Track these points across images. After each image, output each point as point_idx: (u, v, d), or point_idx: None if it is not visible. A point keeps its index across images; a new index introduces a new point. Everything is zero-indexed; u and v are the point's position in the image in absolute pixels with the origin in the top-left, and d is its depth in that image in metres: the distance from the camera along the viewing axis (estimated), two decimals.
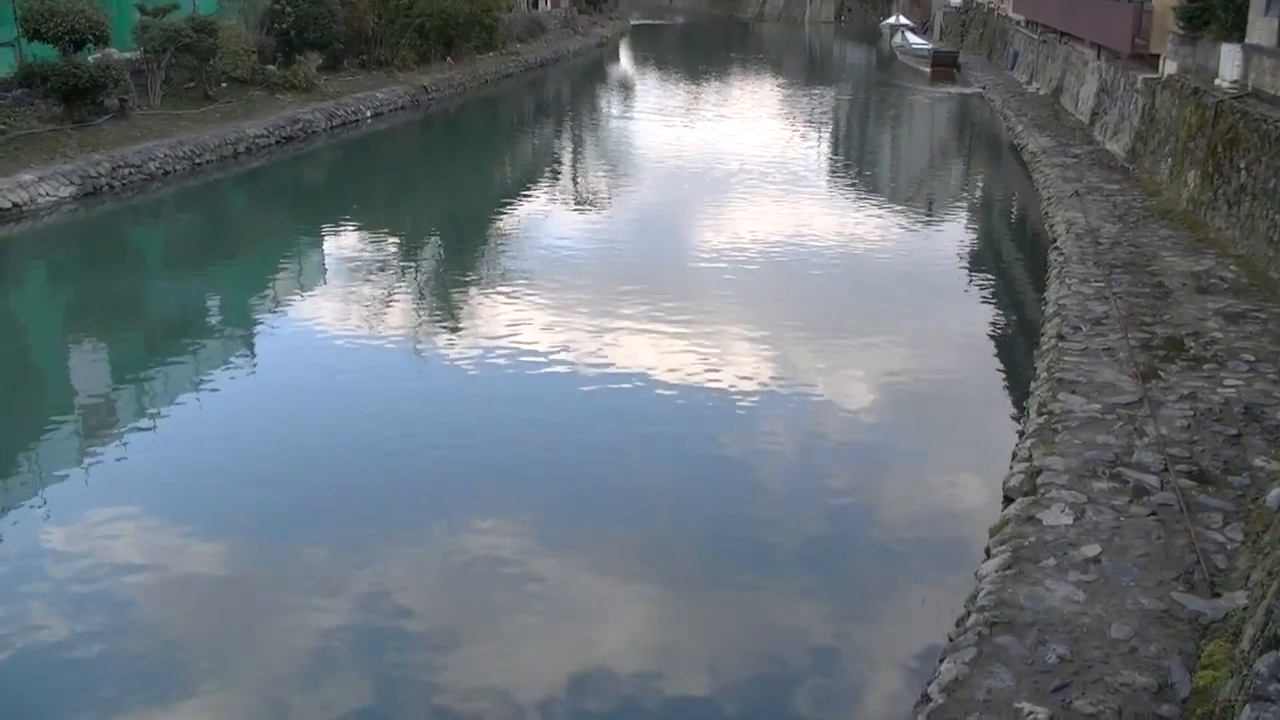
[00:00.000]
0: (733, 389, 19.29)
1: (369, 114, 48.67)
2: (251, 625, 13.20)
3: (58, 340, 24.77)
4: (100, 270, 29.28)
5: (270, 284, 28.14)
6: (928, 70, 71.03)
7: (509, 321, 22.87)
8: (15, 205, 30.79)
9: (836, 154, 47.17)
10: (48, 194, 31.88)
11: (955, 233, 33.28)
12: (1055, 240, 26.77)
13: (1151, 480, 13.80)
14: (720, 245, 29.06)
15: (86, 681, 12.17)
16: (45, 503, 16.15)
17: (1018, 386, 19.20)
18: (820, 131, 52.23)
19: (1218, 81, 28.87)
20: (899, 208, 35.96)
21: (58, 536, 15.16)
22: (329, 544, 14.75)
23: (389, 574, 14.03)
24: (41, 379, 22.53)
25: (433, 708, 11.57)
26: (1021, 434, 16.32)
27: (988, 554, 12.90)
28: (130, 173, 34.74)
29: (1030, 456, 14.73)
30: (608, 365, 20.29)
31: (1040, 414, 16.13)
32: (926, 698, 10.19)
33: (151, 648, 12.77)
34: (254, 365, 22.15)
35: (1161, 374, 17.30)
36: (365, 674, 12.09)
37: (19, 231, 30.40)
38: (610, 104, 63.03)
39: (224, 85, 43.67)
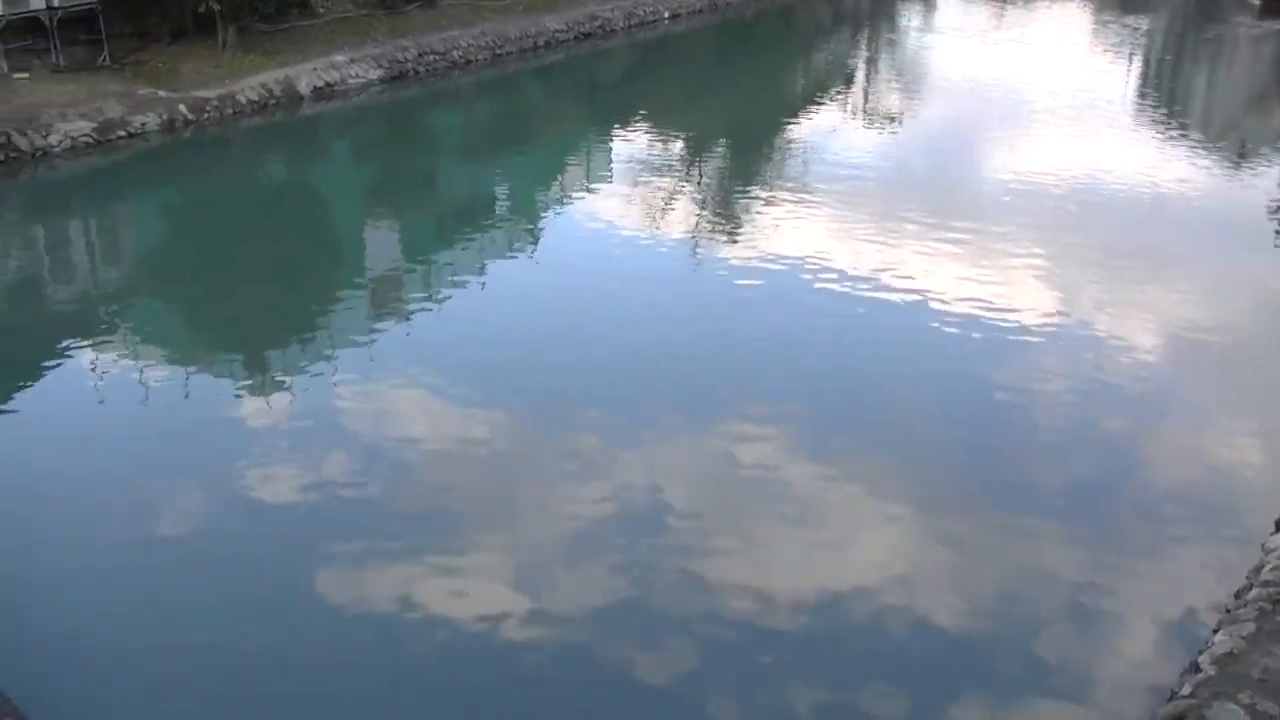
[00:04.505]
0: (1011, 320, 18.79)
1: (667, 15, 48.71)
2: (518, 495, 13.83)
3: (356, 214, 26.06)
4: (400, 151, 30.56)
5: (559, 176, 28.80)
6: (1258, 2, 66.19)
7: (789, 231, 22.81)
8: (328, 84, 32.38)
9: (1145, 88, 44.67)
10: (357, 76, 33.35)
11: (1269, 181, 31.19)
12: None
13: None
14: (1012, 172, 28.06)
15: (368, 526, 13.06)
16: (338, 367, 17.25)
17: None
18: (1130, 63, 49.52)
19: None
20: (1209, 149, 33.86)
21: (348, 397, 16.22)
22: (594, 428, 15.28)
23: (649, 463, 14.45)
24: (340, 250, 23.80)
25: (680, 596, 11.88)
26: None
27: (1278, 526, 12.23)
28: (435, 59, 35.97)
29: None
30: (884, 283, 20.02)
31: None
32: (1196, 667, 9.82)
33: (425, 504, 13.62)
34: (536, 253, 22.82)
35: None
36: (619, 555, 12.55)
37: (330, 109, 31.95)
38: (909, 19, 61.32)
39: None
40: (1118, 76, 46.16)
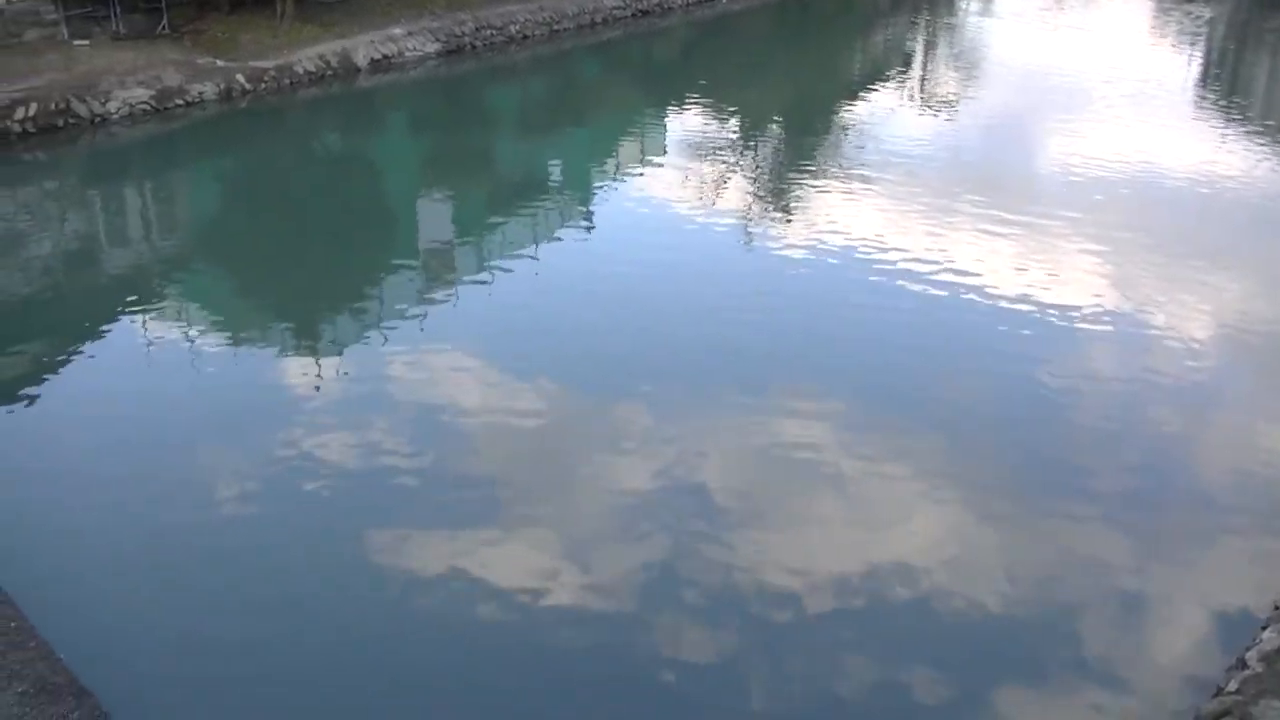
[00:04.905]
0: (1062, 308, 18.60)
1: None
2: (562, 469, 13.89)
3: (411, 188, 26.18)
4: (456, 125, 30.64)
5: (613, 153, 28.82)
6: None
7: (842, 216, 22.69)
8: (385, 57, 32.52)
9: (1206, 76, 44.06)
10: (415, 49, 33.46)
11: None
12: None
13: None
14: (1069, 161, 27.76)
15: (412, 494, 13.21)
16: (388, 339, 17.37)
17: None
18: (1191, 52, 48.87)
19: None
20: (1271, 140, 33.39)
21: (397, 370, 16.30)
22: (640, 404, 15.27)
23: (693, 439, 14.43)
24: (394, 223, 23.92)
25: (721, 576, 11.88)
26: None
27: None
28: (492, 34, 36.02)
29: None
30: (936, 270, 19.88)
31: None
32: (1242, 664, 9.71)
33: (471, 479, 13.66)
34: (589, 230, 22.84)
35: None
36: (661, 535, 12.54)
37: (386, 82, 32.08)
38: (968, 3, 60.71)
39: None
40: (1178, 65, 45.58)
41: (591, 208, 24.26)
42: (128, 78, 27.84)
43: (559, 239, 22.23)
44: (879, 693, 10.50)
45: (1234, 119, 35.95)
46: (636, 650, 10.98)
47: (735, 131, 30.96)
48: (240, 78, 29.32)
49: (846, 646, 11.10)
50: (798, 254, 20.71)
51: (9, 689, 9.30)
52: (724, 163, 27.17)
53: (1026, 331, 17.93)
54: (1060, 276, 19.97)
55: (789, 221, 23.03)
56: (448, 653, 11.01)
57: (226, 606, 11.44)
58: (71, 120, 26.44)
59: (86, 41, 29.25)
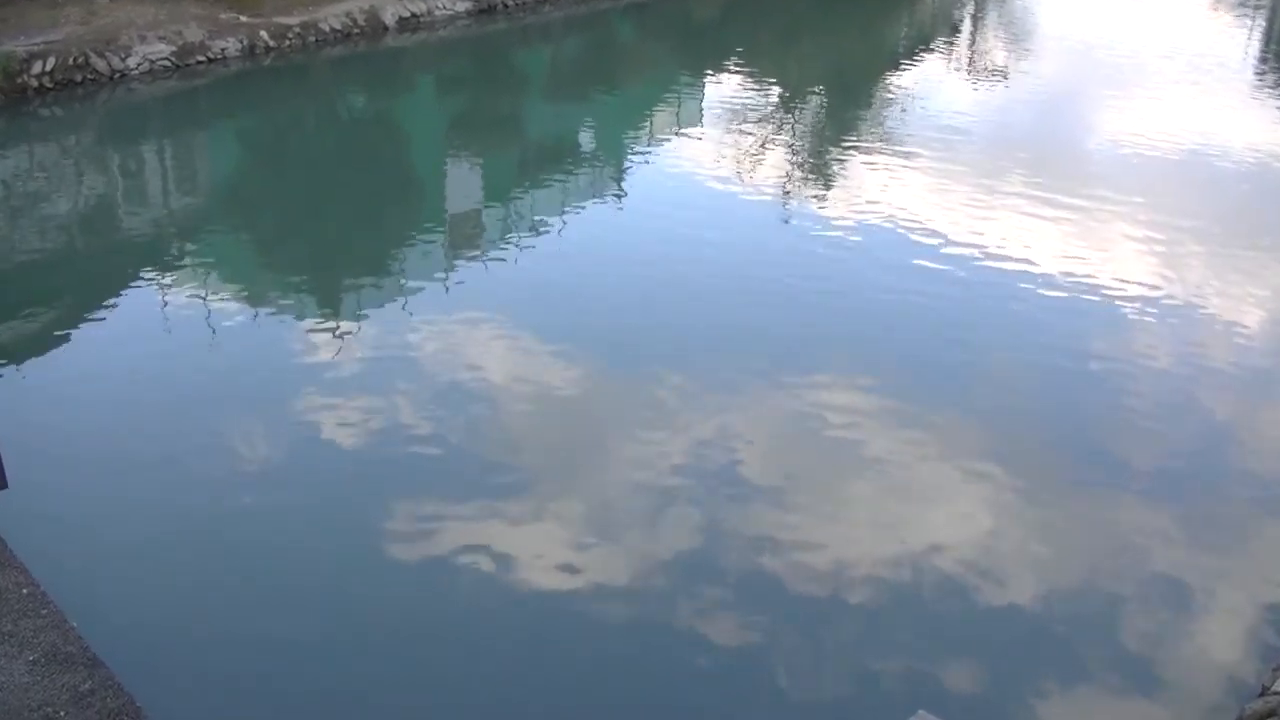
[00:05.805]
0: (1110, 289, 17.76)
1: None
2: (590, 443, 13.42)
3: (437, 151, 25.57)
4: (485, 87, 29.97)
5: (647, 119, 28.06)
6: None
7: (882, 190, 21.82)
8: (414, 15, 31.78)
9: (1267, 54, 42.82)
10: (444, 7, 32.71)
11: None
12: None
13: None
14: (1118, 135, 26.73)
15: (436, 468, 12.74)
16: (411, 306, 16.80)
17: None
18: (1252, 27, 47.58)
19: None
20: None
21: (422, 335, 15.80)
22: (670, 379, 14.68)
23: (724, 416, 13.89)
24: (419, 187, 23.38)
25: (752, 555, 11.46)
26: None
27: None
28: None
29: None
30: (977, 248, 19.07)
31: None
32: None
33: (496, 447, 13.21)
34: (620, 199, 22.17)
35: None
36: (692, 511, 12.10)
37: (415, 41, 31.41)
38: None
39: None
40: (1238, 42, 44.35)
41: (623, 176, 23.55)
42: (149, 33, 27.20)
43: (589, 208, 21.60)
44: (911, 678, 9.99)
45: None
46: (669, 628, 10.52)
47: (774, 100, 30.09)
48: (264, 34, 28.62)
49: (879, 630, 10.61)
50: (836, 230, 19.93)
51: (19, 657, 9.04)
52: (761, 133, 26.34)
53: (1071, 315, 17.11)
54: (1108, 259, 19.11)
55: (827, 196, 22.25)
56: (476, 632, 10.56)
57: (244, 578, 11.04)
58: (90, 76, 25.83)
59: None
